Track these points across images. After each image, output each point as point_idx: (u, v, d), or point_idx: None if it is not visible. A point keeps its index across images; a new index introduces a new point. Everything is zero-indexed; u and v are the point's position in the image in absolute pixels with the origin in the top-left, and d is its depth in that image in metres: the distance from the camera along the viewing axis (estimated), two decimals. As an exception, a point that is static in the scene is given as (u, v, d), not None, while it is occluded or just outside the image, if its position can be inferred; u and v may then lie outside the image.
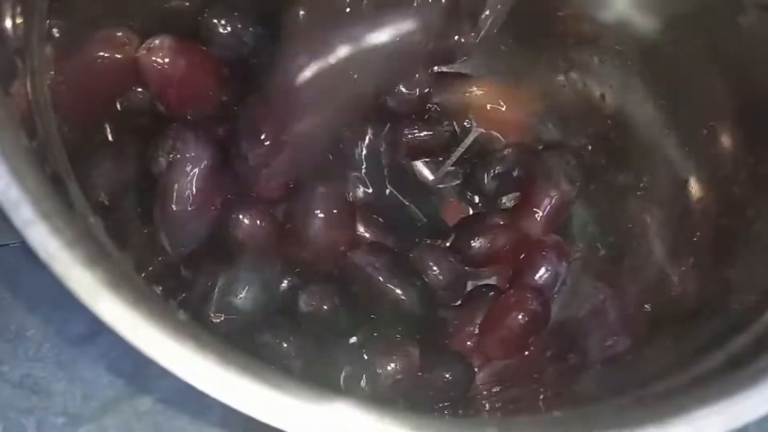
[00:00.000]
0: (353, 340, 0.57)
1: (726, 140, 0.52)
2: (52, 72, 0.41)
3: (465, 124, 0.62)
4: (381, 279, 0.54)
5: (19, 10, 0.36)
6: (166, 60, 0.52)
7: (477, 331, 0.61)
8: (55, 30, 0.40)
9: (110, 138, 0.50)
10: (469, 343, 0.61)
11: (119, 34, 0.52)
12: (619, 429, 0.30)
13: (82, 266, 0.29)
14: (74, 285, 0.28)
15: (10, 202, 0.28)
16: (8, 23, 0.35)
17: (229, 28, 0.54)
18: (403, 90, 0.57)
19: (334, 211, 0.54)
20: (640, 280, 0.57)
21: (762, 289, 0.40)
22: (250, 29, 0.55)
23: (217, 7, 0.54)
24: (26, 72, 0.37)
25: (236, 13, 0.54)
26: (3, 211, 0.29)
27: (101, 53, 0.50)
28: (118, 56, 0.52)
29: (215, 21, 0.54)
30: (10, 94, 0.32)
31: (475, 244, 0.62)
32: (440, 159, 0.62)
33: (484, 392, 0.59)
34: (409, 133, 0.60)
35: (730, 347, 0.37)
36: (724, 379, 0.33)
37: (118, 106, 0.51)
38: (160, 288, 0.48)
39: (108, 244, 0.35)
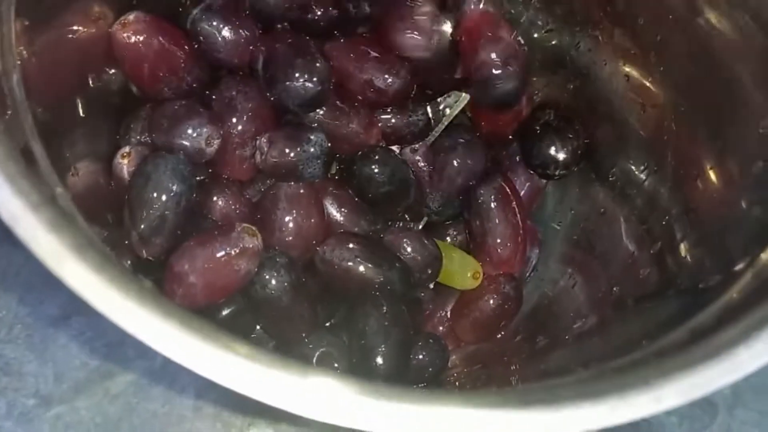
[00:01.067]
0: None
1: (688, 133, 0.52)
2: (23, 45, 0.40)
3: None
4: (354, 267, 0.54)
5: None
6: (141, 37, 0.52)
7: (449, 314, 0.62)
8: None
9: (82, 113, 0.49)
10: (441, 327, 0.62)
11: (95, 8, 0.51)
12: (582, 399, 0.31)
13: (46, 230, 0.28)
14: (38, 248, 0.28)
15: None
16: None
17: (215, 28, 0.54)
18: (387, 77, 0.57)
19: (302, 210, 0.55)
20: (610, 264, 0.58)
21: (725, 269, 0.41)
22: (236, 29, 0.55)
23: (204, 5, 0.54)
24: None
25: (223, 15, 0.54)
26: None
27: (74, 26, 0.49)
28: (92, 30, 0.51)
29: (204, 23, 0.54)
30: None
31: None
32: (414, 147, 0.62)
33: (456, 373, 0.59)
34: (384, 120, 0.59)
35: (693, 323, 0.38)
36: (685, 352, 0.33)
37: (90, 82, 0.51)
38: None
39: (74, 213, 0.35)
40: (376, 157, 0.57)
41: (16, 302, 0.67)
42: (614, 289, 0.55)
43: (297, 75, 0.53)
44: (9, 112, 0.37)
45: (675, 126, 0.55)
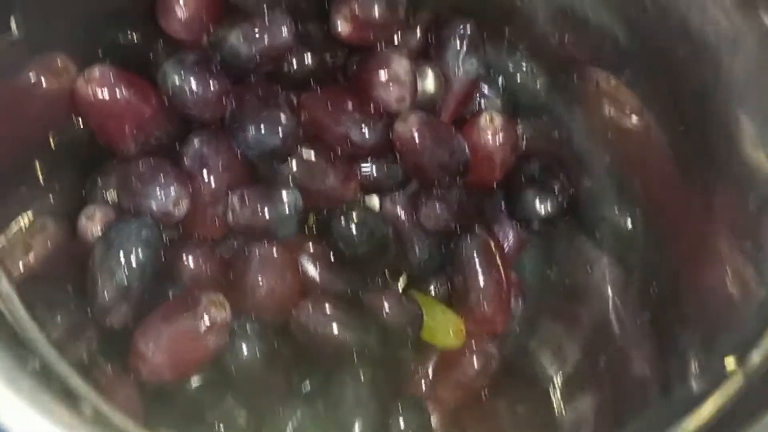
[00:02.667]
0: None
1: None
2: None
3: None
4: (330, 332, 0.52)
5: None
6: (106, 92, 0.50)
7: (430, 374, 0.59)
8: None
9: (41, 178, 0.47)
10: (423, 388, 0.60)
11: (57, 61, 0.49)
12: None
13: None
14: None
15: None
16: None
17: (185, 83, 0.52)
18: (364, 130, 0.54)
19: (276, 271, 0.53)
20: (597, 326, 0.56)
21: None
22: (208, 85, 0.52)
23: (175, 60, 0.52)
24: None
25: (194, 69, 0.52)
26: None
27: (35, 82, 0.47)
28: (54, 85, 0.49)
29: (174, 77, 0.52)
30: None
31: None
32: (394, 197, 0.60)
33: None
34: (363, 171, 0.57)
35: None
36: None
37: (51, 141, 0.48)
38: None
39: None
40: (354, 216, 0.55)
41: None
42: (602, 353, 0.53)
43: (260, 126, 0.51)
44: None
45: (664, 182, 0.53)
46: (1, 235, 0.41)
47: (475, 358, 0.59)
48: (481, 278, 0.58)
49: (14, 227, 0.44)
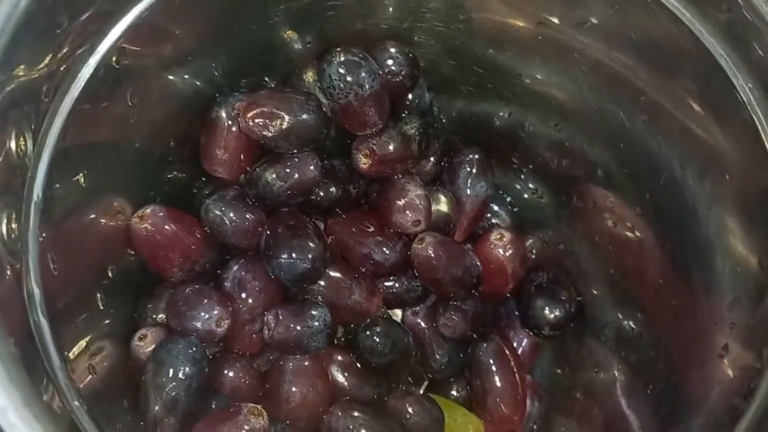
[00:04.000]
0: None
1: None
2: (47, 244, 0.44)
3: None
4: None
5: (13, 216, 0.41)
6: (157, 227, 0.57)
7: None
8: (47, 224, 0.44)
9: (101, 305, 0.53)
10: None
11: (114, 203, 0.56)
12: None
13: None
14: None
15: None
16: (2, 229, 0.40)
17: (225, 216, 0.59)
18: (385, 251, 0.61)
19: (308, 381, 0.58)
20: (609, 423, 0.60)
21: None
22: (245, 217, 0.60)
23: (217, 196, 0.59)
24: (19, 265, 0.41)
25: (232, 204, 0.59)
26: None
27: (96, 221, 0.54)
28: (112, 224, 0.56)
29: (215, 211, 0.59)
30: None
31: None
32: (416, 310, 0.65)
33: None
34: (386, 287, 0.63)
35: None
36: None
37: (110, 273, 0.55)
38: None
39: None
40: (378, 329, 0.61)
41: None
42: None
43: (291, 253, 0.57)
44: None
45: (661, 290, 0.58)
46: (68, 354, 0.46)
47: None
48: (497, 381, 0.63)
49: (77, 350, 0.50)
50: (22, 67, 0.40)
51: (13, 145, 0.41)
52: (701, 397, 0.51)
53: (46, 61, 0.43)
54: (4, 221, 0.40)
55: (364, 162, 0.61)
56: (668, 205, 0.55)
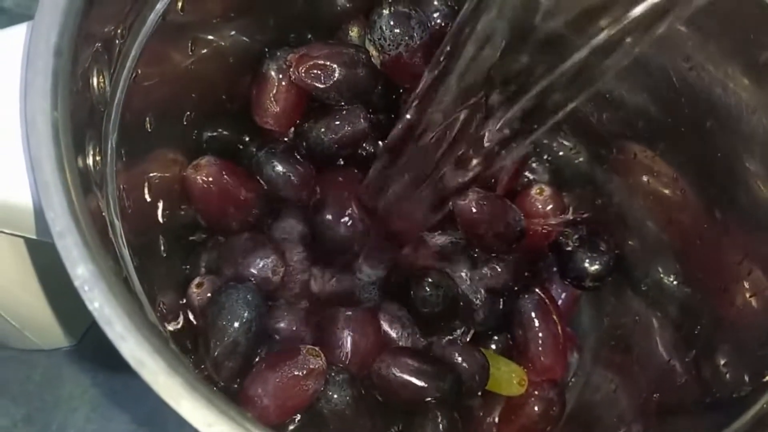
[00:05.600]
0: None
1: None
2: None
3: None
4: (409, 381, 0.58)
5: (97, 149, 0.42)
6: (211, 178, 0.58)
7: (497, 420, 0.65)
8: (121, 163, 0.46)
9: (163, 251, 0.55)
10: (492, 432, 0.65)
11: (171, 153, 0.58)
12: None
13: (166, 373, 0.33)
14: (159, 389, 0.33)
15: (104, 319, 0.34)
16: (89, 161, 0.41)
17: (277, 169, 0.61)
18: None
19: (359, 330, 0.59)
20: (648, 370, 0.62)
21: (757, 379, 0.45)
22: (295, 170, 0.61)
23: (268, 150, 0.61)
24: (103, 197, 0.43)
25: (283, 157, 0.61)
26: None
27: (158, 168, 0.56)
28: (168, 174, 0.57)
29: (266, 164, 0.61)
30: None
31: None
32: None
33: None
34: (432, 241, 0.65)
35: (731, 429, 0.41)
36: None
37: (165, 220, 0.57)
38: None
39: (179, 355, 0.40)
40: (430, 280, 0.62)
41: (84, 421, 0.72)
42: (654, 395, 0.58)
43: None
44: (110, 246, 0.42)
45: (701, 239, 0.59)
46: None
47: (537, 404, 0.64)
48: (539, 331, 0.64)
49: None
50: (105, 8, 0.42)
51: (95, 81, 0.42)
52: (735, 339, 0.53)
53: (124, 3, 0.44)
54: (91, 152, 0.41)
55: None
56: (712, 153, 0.56)
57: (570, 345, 0.67)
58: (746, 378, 0.48)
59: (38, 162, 0.35)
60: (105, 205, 0.42)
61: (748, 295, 0.52)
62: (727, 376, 0.51)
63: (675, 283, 0.62)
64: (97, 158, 0.42)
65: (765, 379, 0.44)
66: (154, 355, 0.34)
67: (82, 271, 0.34)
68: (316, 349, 0.54)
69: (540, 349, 0.64)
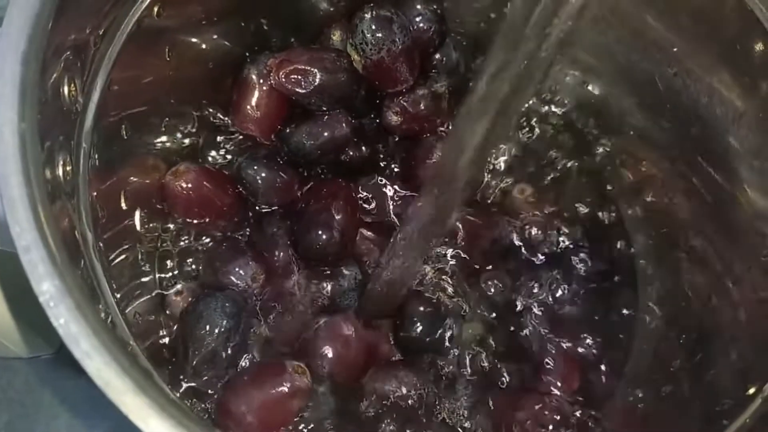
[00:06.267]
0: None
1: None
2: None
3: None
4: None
5: (68, 159, 0.41)
6: (191, 184, 0.57)
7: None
8: (95, 172, 0.45)
9: (140, 258, 0.54)
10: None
11: (150, 159, 0.57)
12: None
13: (133, 393, 0.33)
14: (126, 408, 0.32)
15: (70, 336, 0.33)
16: (59, 171, 0.40)
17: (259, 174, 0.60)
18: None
19: (341, 339, 0.57)
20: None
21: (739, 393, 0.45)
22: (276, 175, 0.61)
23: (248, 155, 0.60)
24: (74, 209, 0.42)
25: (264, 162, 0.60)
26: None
27: (135, 175, 0.55)
28: (148, 180, 0.57)
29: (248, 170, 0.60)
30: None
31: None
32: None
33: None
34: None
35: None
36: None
37: (145, 227, 0.56)
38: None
39: (150, 369, 0.39)
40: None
41: (65, 427, 0.71)
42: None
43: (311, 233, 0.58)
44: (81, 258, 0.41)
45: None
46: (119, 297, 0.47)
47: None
48: (546, 344, 0.62)
49: (124, 295, 0.50)
50: (76, 15, 0.41)
51: (65, 90, 0.41)
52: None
53: (97, 9, 0.43)
54: (61, 163, 0.40)
55: (395, 120, 0.61)
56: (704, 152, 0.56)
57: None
58: (729, 389, 0.47)
59: (4, 176, 0.34)
60: (76, 216, 0.42)
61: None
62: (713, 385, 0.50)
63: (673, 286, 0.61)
64: (68, 168, 0.41)
65: (748, 393, 0.43)
66: (121, 374, 0.33)
67: (47, 287, 0.33)
68: (302, 366, 0.53)
69: (550, 360, 0.61)
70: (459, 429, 0.59)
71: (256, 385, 0.52)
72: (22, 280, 0.34)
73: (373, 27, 0.56)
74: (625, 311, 0.64)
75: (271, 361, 0.55)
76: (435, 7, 0.61)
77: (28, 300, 0.56)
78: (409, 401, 0.58)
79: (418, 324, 0.60)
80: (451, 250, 0.63)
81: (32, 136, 0.36)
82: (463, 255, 0.63)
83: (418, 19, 0.60)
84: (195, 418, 0.34)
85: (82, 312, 0.33)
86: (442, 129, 0.64)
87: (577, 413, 0.58)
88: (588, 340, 0.62)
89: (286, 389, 0.51)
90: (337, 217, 0.58)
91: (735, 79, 0.51)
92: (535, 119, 0.68)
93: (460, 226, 0.63)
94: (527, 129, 0.69)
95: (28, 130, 0.36)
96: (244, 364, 0.56)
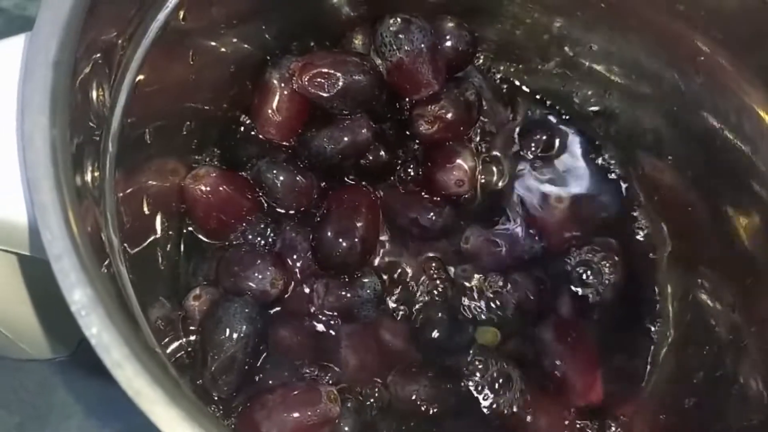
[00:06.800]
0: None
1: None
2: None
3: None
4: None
5: (95, 164, 0.41)
6: (210, 188, 0.57)
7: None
8: (119, 176, 0.45)
9: (161, 266, 0.54)
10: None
11: (171, 163, 0.57)
12: None
13: (164, 404, 0.32)
14: (157, 419, 0.32)
15: (102, 346, 0.32)
16: (88, 177, 0.40)
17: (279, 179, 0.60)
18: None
19: (362, 346, 0.58)
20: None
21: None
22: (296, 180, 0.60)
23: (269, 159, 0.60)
24: (101, 214, 0.41)
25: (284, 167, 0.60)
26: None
27: (157, 179, 0.54)
28: (167, 184, 0.56)
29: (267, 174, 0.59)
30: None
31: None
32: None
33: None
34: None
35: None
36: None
37: (165, 232, 0.55)
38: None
39: (178, 378, 0.39)
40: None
41: (76, 428, 0.70)
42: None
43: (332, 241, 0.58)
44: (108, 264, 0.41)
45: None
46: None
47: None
48: (566, 356, 0.60)
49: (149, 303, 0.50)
50: (105, 19, 0.40)
51: (94, 94, 0.41)
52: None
53: (124, 13, 0.43)
54: (89, 168, 0.40)
55: (426, 127, 0.61)
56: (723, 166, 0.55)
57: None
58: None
59: (35, 183, 0.34)
60: (103, 221, 0.41)
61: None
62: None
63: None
64: (96, 174, 0.41)
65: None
66: (152, 384, 0.33)
67: (79, 296, 0.33)
68: (335, 392, 0.53)
69: (572, 373, 0.60)
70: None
71: (289, 410, 0.51)
72: (46, 284, 0.34)
73: (392, 29, 0.56)
74: (647, 323, 0.64)
75: (305, 386, 0.54)
76: (466, 31, 0.61)
77: (50, 303, 0.57)
78: (428, 402, 0.57)
79: (437, 328, 0.60)
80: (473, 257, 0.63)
81: (63, 142, 0.36)
82: (485, 262, 0.63)
83: (447, 37, 0.61)
84: (225, 430, 0.33)
85: (113, 320, 0.33)
86: (467, 135, 0.64)
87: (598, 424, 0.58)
88: (611, 350, 0.61)
89: (319, 419, 0.51)
90: (359, 225, 0.57)
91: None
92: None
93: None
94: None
95: (58, 136, 0.35)
96: (261, 374, 0.55)
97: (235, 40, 0.57)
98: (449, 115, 0.61)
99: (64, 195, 0.34)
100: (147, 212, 0.52)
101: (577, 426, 0.59)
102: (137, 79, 0.46)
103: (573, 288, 0.64)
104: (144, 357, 0.33)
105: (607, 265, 0.63)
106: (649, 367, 0.62)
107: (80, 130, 0.39)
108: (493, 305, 0.63)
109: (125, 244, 0.44)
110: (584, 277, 0.64)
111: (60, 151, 0.35)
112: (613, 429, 0.58)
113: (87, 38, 0.39)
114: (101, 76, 0.42)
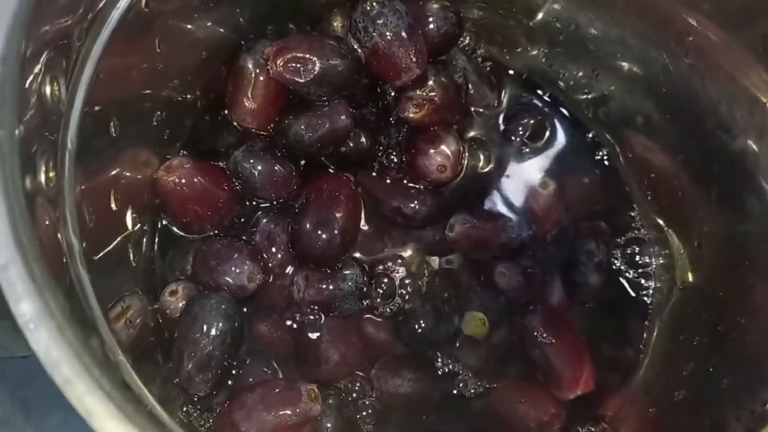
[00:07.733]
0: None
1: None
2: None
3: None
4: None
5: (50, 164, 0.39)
6: (184, 180, 0.55)
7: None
8: (81, 173, 0.42)
9: (132, 261, 0.52)
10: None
11: (142, 155, 0.54)
12: None
13: (117, 420, 0.31)
14: (111, 438, 0.30)
15: (51, 362, 0.31)
16: (41, 178, 0.38)
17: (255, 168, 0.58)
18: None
19: (343, 340, 0.57)
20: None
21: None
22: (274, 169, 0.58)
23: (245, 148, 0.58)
24: (59, 216, 0.40)
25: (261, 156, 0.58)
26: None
27: (126, 173, 0.52)
28: (139, 176, 0.54)
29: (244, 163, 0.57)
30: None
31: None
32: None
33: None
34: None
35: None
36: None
37: (138, 227, 0.54)
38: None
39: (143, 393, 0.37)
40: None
41: (58, 423, 0.69)
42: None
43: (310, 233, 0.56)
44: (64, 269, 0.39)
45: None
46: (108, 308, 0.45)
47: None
48: (554, 345, 0.59)
49: (114, 304, 0.48)
50: (57, 9, 0.38)
51: (48, 90, 0.39)
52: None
53: (79, 2, 0.41)
54: (43, 168, 0.38)
55: (414, 110, 0.59)
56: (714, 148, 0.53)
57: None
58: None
59: (-24, 190, 0.32)
60: (61, 224, 0.39)
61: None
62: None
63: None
64: (51, 174, 0.39)
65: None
66: (105, 401, 0.31)
67: (26, 307, 0.31)
68: (315, 390, 0.51)
69: (560, 363, 0.59)
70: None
71: (268, 409, 0.50)
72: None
73: (365, 14, 0.54)
74: (638, 310, 0.62)
75: (285, 384, 0.52)
76: (451, 12, 0.59)
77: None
78: (413, 396, 0.56)
79: (422, 320, 0.59)
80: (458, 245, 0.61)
81: (10, 144, 0.34)
82: (471, 250, 0.61)
83: (430, 20, 0.58)
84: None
85: (64, 334, 0.31)
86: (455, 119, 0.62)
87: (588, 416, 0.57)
88: (601, 341, 0.60)
89: (299, 417, 0.50)
90: (338, 216, 0.56)
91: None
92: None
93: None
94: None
95: (5, 137, 0.33)
96: (240, 371, 0.54)
97: (207, 23, 0.55)
98: (438, 99, 0.59)
99: (11, 201, 0.32)
100: (115, 208, 0.50)
101: (566, 418, 0.57)
102: (98, 71, 0.44)
103: (562, 275, 0.63)
104: (98, 371, 0.32)
105: (597, 250, 0.62)
106: (640, 356, 0.60)
107: (32, 129, 0.37)
108: (479, 295, 0.61)
109: (88, 244, 0.42)
110: (573, 262, 0.62)
111: (8, 154, 0.33)
112: (603, 425, 0.57)
113: (38, 30, 0.36)
114: (56, 70, 0.40)
